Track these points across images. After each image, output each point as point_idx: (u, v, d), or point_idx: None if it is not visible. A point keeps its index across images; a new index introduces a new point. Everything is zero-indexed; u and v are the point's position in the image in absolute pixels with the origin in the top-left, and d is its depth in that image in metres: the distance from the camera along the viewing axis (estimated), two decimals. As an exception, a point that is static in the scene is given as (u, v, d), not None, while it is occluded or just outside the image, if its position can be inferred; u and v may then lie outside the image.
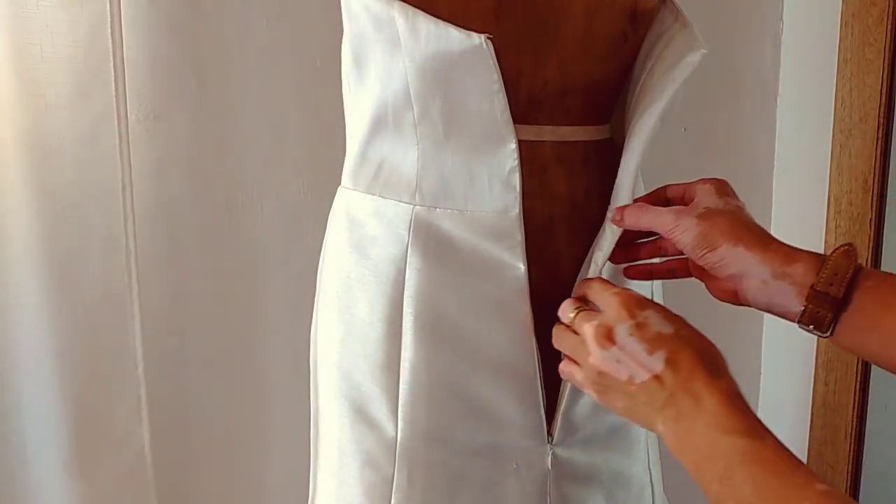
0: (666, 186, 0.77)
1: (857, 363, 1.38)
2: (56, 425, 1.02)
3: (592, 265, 0.74)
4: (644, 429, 0.85)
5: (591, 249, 0.76)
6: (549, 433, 0.77)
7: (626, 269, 0.80)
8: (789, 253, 0.68)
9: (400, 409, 0.75)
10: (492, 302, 0.74)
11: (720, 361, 0.63)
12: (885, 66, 1.28)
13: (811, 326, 0.66)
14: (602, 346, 0.66)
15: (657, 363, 0.63)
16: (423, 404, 0.75)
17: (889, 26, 1.27)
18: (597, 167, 0.79)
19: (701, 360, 0.62)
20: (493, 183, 0.72)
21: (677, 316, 0.67)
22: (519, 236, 0.72)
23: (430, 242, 0.74)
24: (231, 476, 1.21)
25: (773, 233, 0.71)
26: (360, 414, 0.77)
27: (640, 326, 0.65)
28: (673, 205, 0.75)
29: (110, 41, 0.99)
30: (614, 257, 0.76)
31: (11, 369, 1.01)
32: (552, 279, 0.77)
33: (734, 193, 0.73)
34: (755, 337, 1.55)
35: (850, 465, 1.41)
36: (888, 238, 1.33)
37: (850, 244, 0.67)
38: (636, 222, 0.72)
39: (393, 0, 0.68)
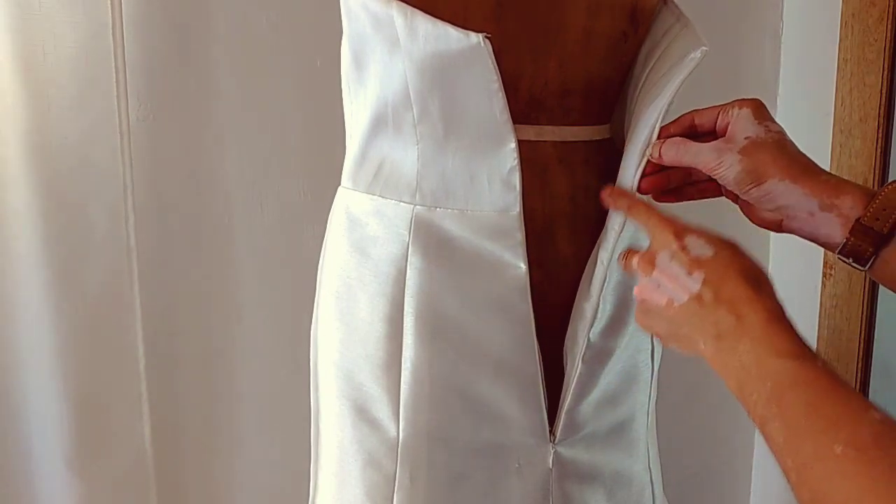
0: (694, 112, 0.73)
1: (858, 363, 1.38)
2: (57, 423, 1.02)
3: (598, 265, 0.74)
4: (644, 425, 0.85)
5: (595, 248, 0.76)
6: (551, 432, 0.77)
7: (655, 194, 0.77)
8: (837, 184, 0.67)
9: (401, 408, 0.75)
10: (493, 301, 0.74)
11: (764, 280, 0.62)
12: (885, 66, 1.28)
13: (851, 259, 0.66)
14: (645, 273, 0.65)
15: (695, 284, 0.62)
16: (424, 404, 0.75)
17: (889, 26, 1.27)
18: (597, 167, 0.79)
19: (742, 279, 0.60)
20: (494, 182, 0.72)
21: (721, 239, 0.65)
22: (519, 235, 0.72)
23: (431, 242, 0.74)
24: (231, 475, 1.21)
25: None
26: (362, 414, 0.77)
27: (681, 250, 0.63)
28: (703, 131, 0.72)
29: (111, 42, 0.99)
30: (642, 186, 0.73)
31: (13, 367, 1.01)
32: (552, 278, 0.77)
33: (771, 116, 0.71)
34: (755, 337, 1.54)
35: (850, 465, 1.41)
36: (888, 238, 1.33)
37: None
38: (677, 158, 0.70)
39: (391, 0, 0.69)
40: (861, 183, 1.33)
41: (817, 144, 1.38)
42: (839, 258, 0.66)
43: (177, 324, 1.14)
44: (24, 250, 0.99)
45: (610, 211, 0.75)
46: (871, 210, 0.64)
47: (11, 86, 0.96)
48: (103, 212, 1.02)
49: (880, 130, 1.30)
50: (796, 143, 0.70)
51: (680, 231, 0.65)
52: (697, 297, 0.61)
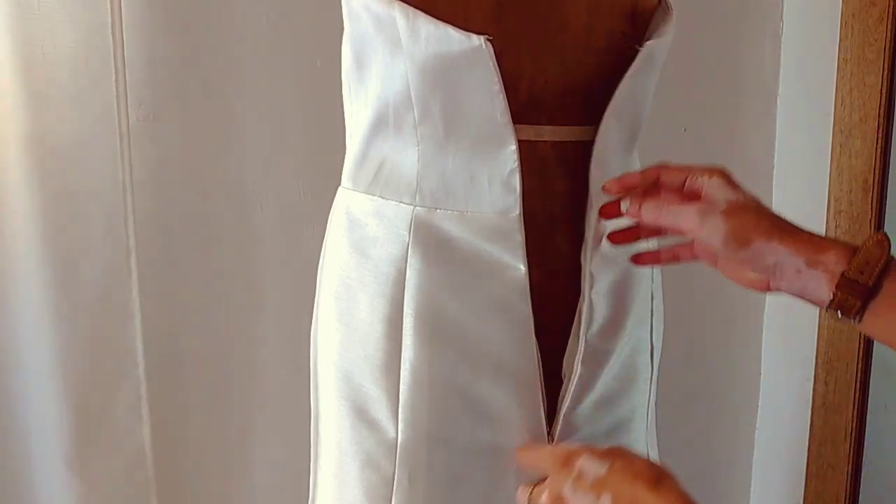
0: (661, 167, 0.74)
1: (857, 363, 1.38)
2: (57, 423, 1.02)
3: (583, 265, 0.75)
4: (643, 427, 0.85)
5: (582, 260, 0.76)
6: (550, 434, 0.77)
7: (632, 256, 0.79)
8: (820, 242, 0.68)
9: (400, 409, 0.75)
10: (492, 302, 0.74)
11: (662, 475, 0.65)
12: (885, 66, 1.28)
13: (839, 313, 0.67)
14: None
15: None
16: (423, 405, 0.75)
17: (889, 26, 1.27)
18: (597, 167, 0.79)
19: (643, 483, 0.64)
20: (494, 184, 0.72)
21: (608, 450, 0.69)
22: (519, 237, 0.72)
23: (431, 243, 0.74)
24: (231, 475, 1.21)
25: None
26: (361, 414, 0.77)
27: (578, 479, 0.67)
28: (666, 189, 0.73)
29: (111, 41, 0.99)
30: (614, 238, 0.75)
31: (12, 368, 1.01)
32: (552, 278, 0.77)
33: (740, 184, 0.72)
34: (755, 337, 1.55)
35: (850, 465, 1.41)
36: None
37: (883, 233, 0.67)
38: (657, 219, 0.71)
39: (393, 0, 0.69)
40: (861, 183, 1.33)
41: (817, 144, 1.38)
42: (829, 313, 0.67)
43: (176, 324, 1.14)
44: (24, 251, 0.99)
45: (587, 212, 0.75)
46: (855, 264, 0.66)
47: (11, 86, 0.95)
48: (103, 212, 1.02)
49: (880, 130, 1.30)
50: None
51: (568, 459, 0.69)
52: None
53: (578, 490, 0.67)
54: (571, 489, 0.68)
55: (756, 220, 0.68)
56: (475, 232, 0.73)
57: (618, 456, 0.68)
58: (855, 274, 0.66)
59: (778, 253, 0.67)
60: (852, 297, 0.66)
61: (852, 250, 0.67)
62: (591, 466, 0.68)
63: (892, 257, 0.66)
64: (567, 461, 0.69)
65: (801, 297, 0.69)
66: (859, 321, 0.67)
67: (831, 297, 0.67)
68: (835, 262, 0.66)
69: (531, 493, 0.72)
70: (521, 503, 0.74)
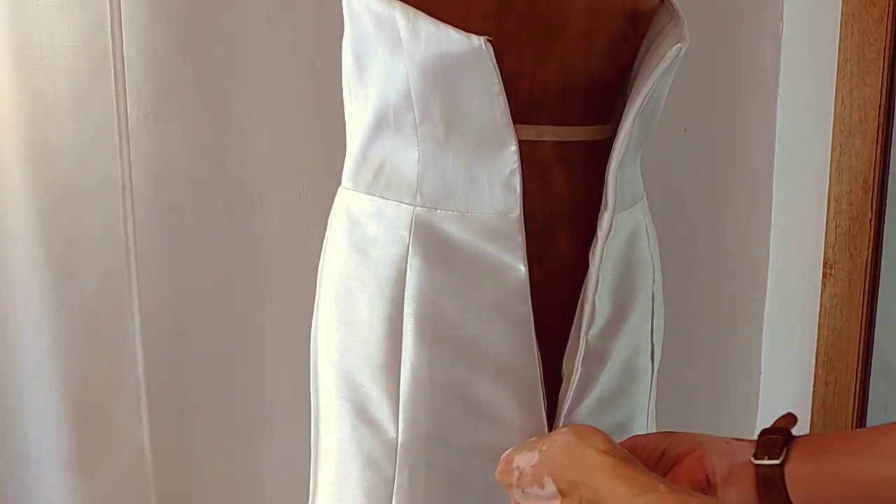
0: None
1: (857, 363, 1.38)
2: (56, 425, 1.02)
3: (591, 266, 0.75)
4: (643, 427, 0.85)
5: (590, 254, 0.76)
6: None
7: None
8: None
9: (401, 410, 0.75)
10: (493, 303, 0.74)
11: (581, 430, 0.67)
12: (885, 66, 1.28)
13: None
14: None
15: (551, 490, 0.66)
16: (423, 405, 0.75)
17: (889, 26, 1.27)
18: (597, 167, 0.79)
19: (575, 455, 0.66)
20: (494, 185, 0.72)
21: (536, 438, 0.71)
22: (519, 238, 0.72)
23: (431, 243, 0.74)
24: (231, 476, 1.21)
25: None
26: (362, 415, 0.77)
27: (521, 480, 0.69)
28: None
29: (110, 41, 0.99)
30: None
31: (12, 369, 1.01)
32: (552, 278, 0.77)
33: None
34: (755, 337, 1.55)
35: (850, 465, 1.41)
36: (888, 238, 1.33)
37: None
38: None
39: (394, 0, 0.68)
40: (861, 183, 1.33)
41: (817, 144, 1.38)
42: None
43: (176, 325, 1.14)
44: (22, 251, 0.99)
45: (600, 212, 0.75)
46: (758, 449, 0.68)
47: (9, 85, 0.95)
48: (102, 212, 1.02)
49: (880, 130, 1.30)
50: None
51: (507, 464, 0.71)
52: (563, 498, 0.66)
53: (525, 488, 0.69)
54: (520, 492, 0.69)
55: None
56: (475, 232, 0.73)
57: (544, 439, 0.70)
58: (760, 456, 0.67)
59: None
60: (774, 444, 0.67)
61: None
62: (524, 461, 0.69)
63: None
64: (507, 467, 0.71)
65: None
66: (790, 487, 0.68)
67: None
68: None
69: None
70: None
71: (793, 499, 0.66)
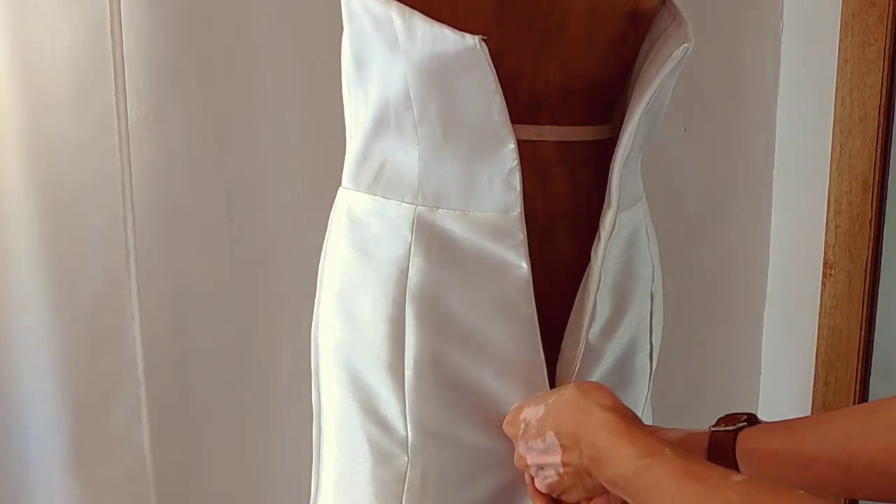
0: None
1: (857, 363, 1.38)
2: (56, 425, 1.02)
3: (593, 266, 0.75)
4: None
5: (592, 252, 0.76)
6: None
7: None
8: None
9: (407, 409, 0.75)
10: (496, 301, 0.74)
11: (600, 396, 0.66)
12: (885, 66, 1.28)
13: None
14: (528, 472, 0.71)
15: (553, 444, 0.67)
16: (429, 404, 0.75)
17: (889, 26, 1.27)
18: (597, 167, 0.79)
19: (578, 410, 0.66)
20: (494, 183, 0.72)
21: (543, 393, 0.72)
22: (521, 235, 0.72)
23: (433, 242, 0.74)
24: (231, 476, 1.21)
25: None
26: (371, 414, 0.77)
27: (526, 432, 0.70)
28: None
29: (110, 41, 0.99)
30: None
31: (12, 369, 1.01)
32: (553, 278, 0.77)
33: None
34: (755, 337, 1.55)
35: (850, 465, 1.41)
36: (888, 238, 1.33)
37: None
38: None
39: (391, 0, 0.68)
40: (861, 183, 1.33)
41: (817, 144, 1.38)
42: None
43: (176, 325, 1.14)
44: (22, 251, 0.98)
45: (603, 210, 0.75)
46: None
47: (9, 85, 0.95)
48: (102, 212, 1.02)
49: (880, 130, 1.30)
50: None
51: (514, 418, 0.72)
52: (564, 452, 0.66)
53: (529, 441, 0.69)
54: (524, 444, 0.70)
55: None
56: (477, 231, 0.73)
57: (552, 393, 0.70)
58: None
59: None
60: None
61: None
62: (531, 414, 0.70)
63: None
64: (514, 419, 0.72)
65: None
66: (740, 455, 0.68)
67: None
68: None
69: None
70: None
71: (741, 466, 0.66)
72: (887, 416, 0.61)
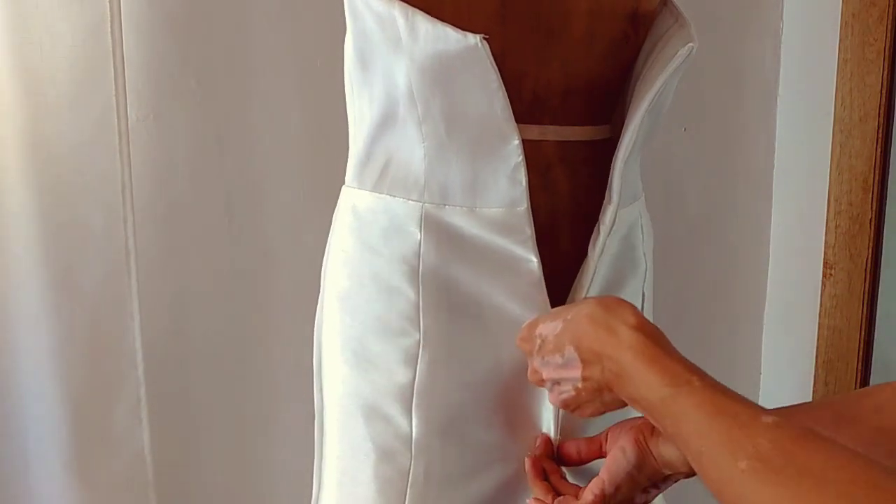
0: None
1: (857, 363, 1.38)
2: (56, 426, 1.02)
3: (589, 260, 0.75)
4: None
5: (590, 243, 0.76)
6: (556, 427, 0.77)
7: None
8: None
9: (415, 405, 0.75)
10: (507, 296, 0.74)
11: (625, 313, 0.63)
12: (885, 66, 1.28)
13: None
14: (543, 387, 0.70)
15: (572, 358, 0.65)
16: (438, 400, 0.75)
17: (889, 26, 1.27)
18: (598, 166, 0.79)
19: (601, 327, 0.63)
20: (500, 179, 0.72)
21: (560, 308, 0.70)
22: (529, 230, 0.73)
23: (443, 238, 0.74)
24: (231, 476, 1.21)
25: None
26: (375, 411, 0.77)
27: (542, 347, 0.68)
28: None
29: (110, 41, 0.98)
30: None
31: (11, 370, 1.01)
32: (554, 277, 0.77)
33: None
34: (755, 337, 1.55)
35: (849, 465, 1.41)
36: (888, 238, 1.33)
37: None
38: None
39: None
40: (861, 183, 1.33)
41: (817, 144, 1.38)
42: None
43: (176, 325, 1.14)
44: (22, 251, 0.98)
45: (603, 206, 0.75)
46: None
47: (9, 85, 0.95)
48: (102, 212, 1.02)
49: (880, 130, 1.30)
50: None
51: (530, 332, 0.70)
52: (585, 366, 0.64)
53: (546, 356, 0.67)
54: (540, 359, 0.68)
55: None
56: (484, 227, 0.73)
57: (569, 308, 0.68)
58: None
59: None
60: None
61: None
62: (547, 329, 0.68)
63: None
64: (529, 334, 0.70)
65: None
66: None
67: None
68: None
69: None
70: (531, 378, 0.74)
71: None
72: (876, 398, 0.61)
